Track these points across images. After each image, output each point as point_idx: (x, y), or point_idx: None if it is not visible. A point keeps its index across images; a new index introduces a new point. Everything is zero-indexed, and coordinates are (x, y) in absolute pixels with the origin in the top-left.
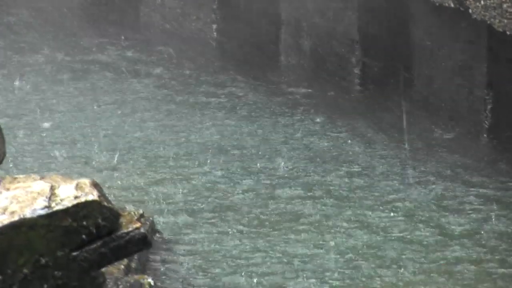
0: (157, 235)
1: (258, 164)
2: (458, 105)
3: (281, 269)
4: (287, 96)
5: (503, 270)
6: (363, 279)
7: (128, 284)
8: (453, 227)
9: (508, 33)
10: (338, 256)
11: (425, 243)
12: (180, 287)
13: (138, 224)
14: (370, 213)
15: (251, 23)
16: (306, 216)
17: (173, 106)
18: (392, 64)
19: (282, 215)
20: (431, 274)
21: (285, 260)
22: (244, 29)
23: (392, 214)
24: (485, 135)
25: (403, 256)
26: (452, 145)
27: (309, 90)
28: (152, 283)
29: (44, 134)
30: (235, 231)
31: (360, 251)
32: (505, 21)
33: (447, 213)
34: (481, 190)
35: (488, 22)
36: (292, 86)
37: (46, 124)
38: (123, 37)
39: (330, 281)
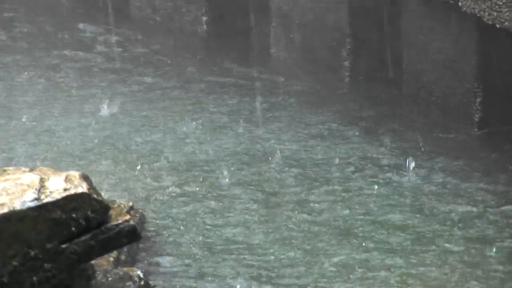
0: (147, 228)
1: (252, 162)
2: (448, 99)
3: (272, 267)
4: (279, 92)
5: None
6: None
7: (117, 277)
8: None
9: (497, 26)
10: (334, 252)
11: (409, 249)
12: (169, 279)
13: (127, 217)
14: (359, 217)
15: (242, 16)
16: (301, 215)
17: (166, 102)
18: (382, 58)
19: (275, 215)
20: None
21: (274, 258)
22: (235, 22)
23: (380, 218)
24: (475, 129)
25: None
26: (442, 141)
27: (301, 86)
28: (141, 276)
29: (31, 129)
30: (226, 226)
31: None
32: (495, 14)
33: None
34: (471, 190)
35: (478, 15)
36: (284, 81)
37: (34, 120)
38: (112, 32)
39: (324, 280)
